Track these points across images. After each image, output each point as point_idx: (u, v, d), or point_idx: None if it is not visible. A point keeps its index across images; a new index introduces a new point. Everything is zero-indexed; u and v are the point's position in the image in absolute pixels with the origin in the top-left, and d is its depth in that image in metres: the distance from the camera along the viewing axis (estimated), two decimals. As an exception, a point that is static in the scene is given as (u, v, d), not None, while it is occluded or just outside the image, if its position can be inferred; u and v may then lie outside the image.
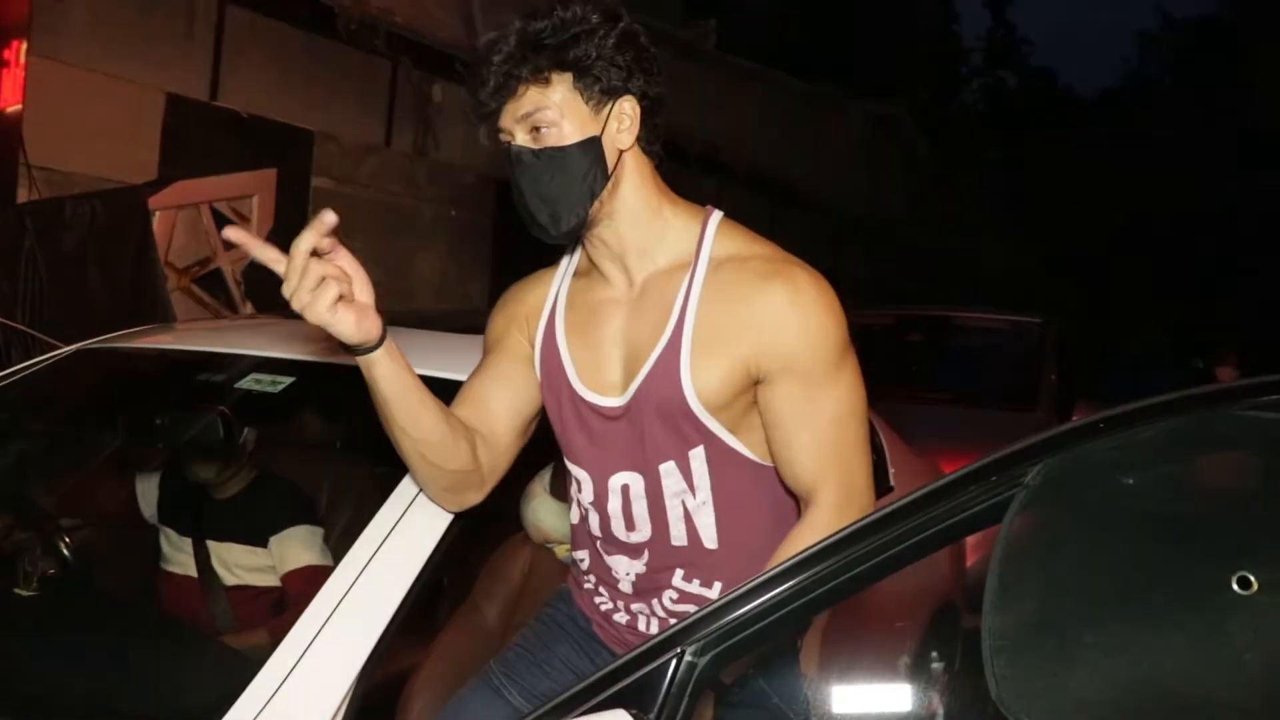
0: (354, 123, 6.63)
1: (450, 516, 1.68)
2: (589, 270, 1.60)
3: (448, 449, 1.52)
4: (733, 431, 1.51)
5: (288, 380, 2.14)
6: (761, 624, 1.05)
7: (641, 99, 1.49)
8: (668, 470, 1.52)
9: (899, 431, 3.42)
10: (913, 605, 3.03)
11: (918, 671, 2.96)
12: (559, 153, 1.44)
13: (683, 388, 1.48)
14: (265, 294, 5.63)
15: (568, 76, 1.44)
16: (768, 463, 1.55)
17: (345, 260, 1.36)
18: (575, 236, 1.51)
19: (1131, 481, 1.04)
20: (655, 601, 1.61)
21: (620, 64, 1.45)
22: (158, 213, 5.08)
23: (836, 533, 1.08)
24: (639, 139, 1.50)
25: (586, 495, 1.62)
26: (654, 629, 1.62)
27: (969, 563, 3.86)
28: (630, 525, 1.58)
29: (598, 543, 1.65)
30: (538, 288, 1.66)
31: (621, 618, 1.67)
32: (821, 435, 1.48)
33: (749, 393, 1.50)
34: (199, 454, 2.43)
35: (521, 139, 1.45)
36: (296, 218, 5.85)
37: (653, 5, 10.17)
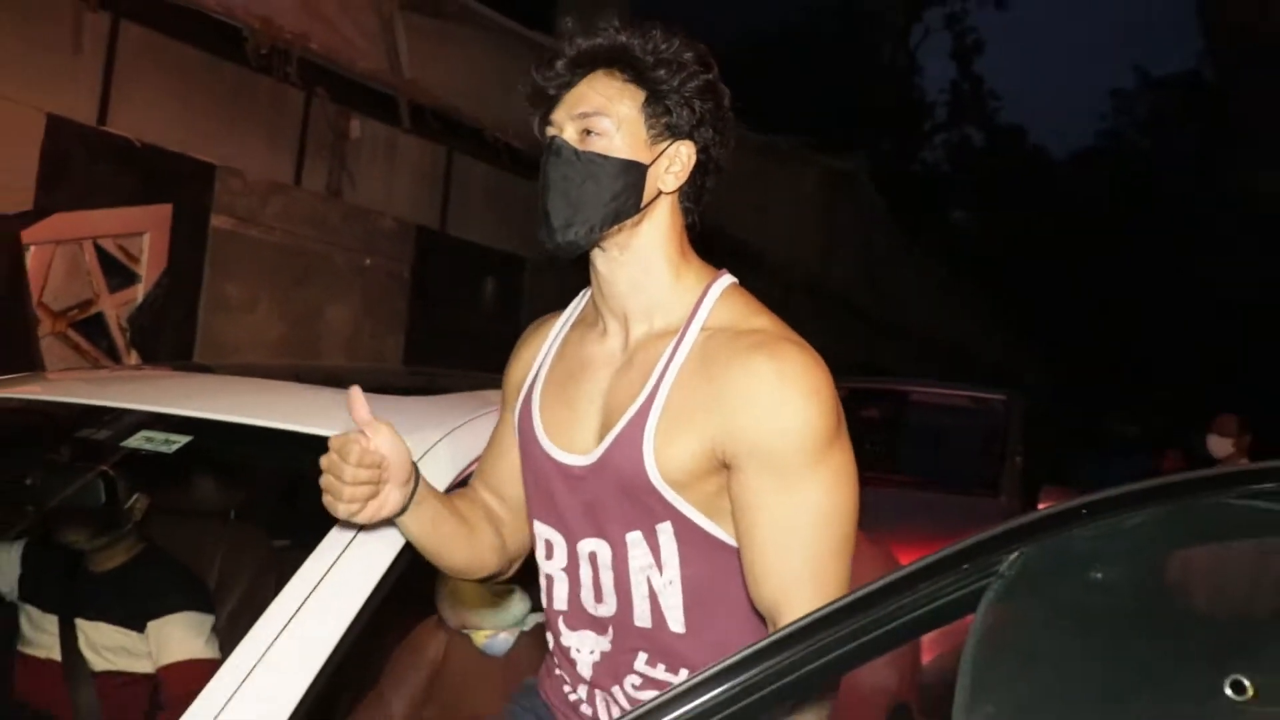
0: (261, 157, 6.57)
1: (362, 601, 1.67)
2: (593, 321, 1.63)
3: (474, 564, 1.68)
4: (705, 512, 1.50)
5: (183, 440, 2.10)
6: (722, 715, 1.04)
7: (701, 151, 1.54)
8: (634, 541, 1.52)
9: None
10: (867, 707, 3.03)
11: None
12: (601, 160, 1.49)
13: (643, 460, 1.48)
14: (153, 342, 5.54)
15: (641, 95, 1.50)
16: None
17: (383, 436, 1.47)
18: (576, 252, 1.54)
19: (1116, 573, 1.06)
20: (617, 688, 1.60)
21: (695, 108, 1.52)
22: (32, 247, 5.00)
23: (798, 621, 1.08)
24: (682, 190, 1.55)
25: (559, 560, 1.62)
26: None
27: (925, 660, 3.88)
28: (599, 596, 1.59)
29: (562, 618, 1.65)
30: (539, 333, 1.72)
31: (587, 709, 1.65)
32: (787, 540, 1.44)
33: (719, 474, 1.48)
34: (75, 519, 2.37)
35: (569, 135, 1.51)
36: (192, 259, 5.80)
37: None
